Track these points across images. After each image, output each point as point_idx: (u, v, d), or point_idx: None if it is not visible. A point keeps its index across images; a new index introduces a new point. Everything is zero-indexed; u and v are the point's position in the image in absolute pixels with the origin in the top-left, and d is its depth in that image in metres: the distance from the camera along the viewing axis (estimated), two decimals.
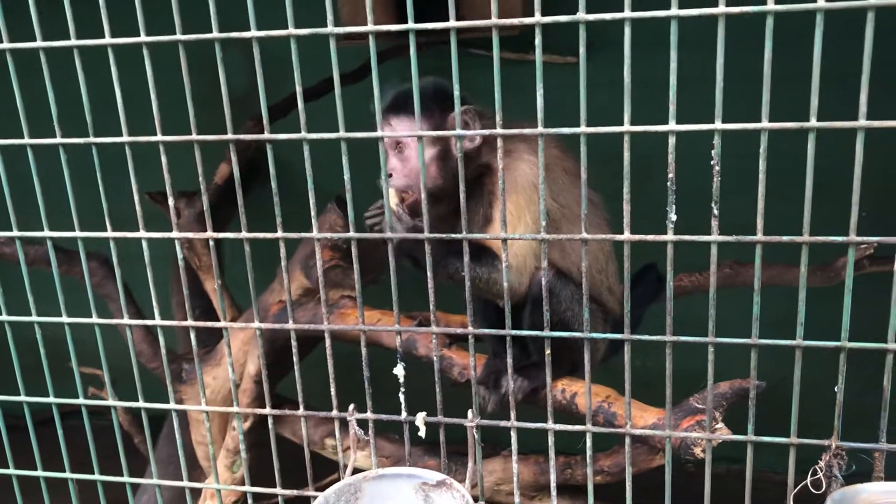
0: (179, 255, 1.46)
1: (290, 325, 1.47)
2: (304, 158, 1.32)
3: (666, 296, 2.66)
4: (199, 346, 3.18)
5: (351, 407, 1.51)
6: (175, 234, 1.44)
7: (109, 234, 1.47)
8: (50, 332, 1.60)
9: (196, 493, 2.96)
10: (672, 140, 1.21)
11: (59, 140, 1.41)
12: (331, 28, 1.25)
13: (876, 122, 1.13)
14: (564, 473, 2.40)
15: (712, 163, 1.22)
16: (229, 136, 1.35)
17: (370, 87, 1.34)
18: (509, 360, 1.42)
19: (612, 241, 2.02)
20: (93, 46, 1.35)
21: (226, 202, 3.29)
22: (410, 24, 1.24)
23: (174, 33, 1.30)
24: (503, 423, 1.44)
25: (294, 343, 1.48)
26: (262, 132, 1.37)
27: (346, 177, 1.37)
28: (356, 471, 1.52)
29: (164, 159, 1.40)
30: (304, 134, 1.33)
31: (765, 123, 1.17)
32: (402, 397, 1.49)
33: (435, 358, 1.49)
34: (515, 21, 1.20)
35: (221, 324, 1.49)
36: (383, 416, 1.49)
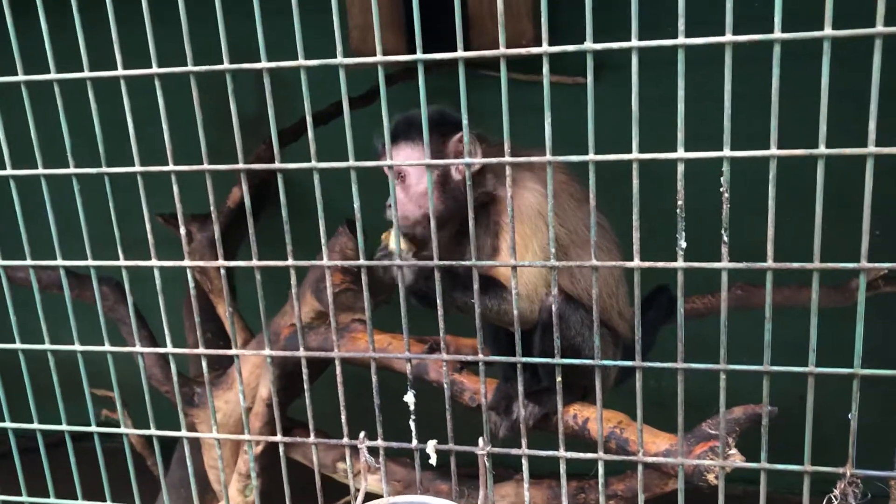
0: (191, 284, 1.46)
1: (301, 353, 1.47)
2: (321, 182, 1.32)
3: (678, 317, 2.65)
4: (211, 370, 3.21)
5: (361, 434, 1.50)
6: (186, 262, 1.45)
7: (122, 262, 1.48)
8: (64, 353, 1.60)
9: None
10: (681, 167, 1.21)
11: (72, 171, 1.42)
12: (340, 59, 1.26)
13: (886, 149, 1.13)
14: (577, 498, 2.38)
15: (721, 189, 1.21)
16: (240, 165, 1.37)
17: (375, 111, 1.35)
18: (520, 388, 1.42)
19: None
20: (105, 78, 1.37)
21: (239, 224, 3.31)
22: (419, 55, 1.25)
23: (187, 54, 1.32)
24: (514, 451, 1.43)
25: (305, 370, 1.48)
26: (274, 155, 1.38)
27: (357, 205, 1.37)
28: (369, 495, 1.52)
29: (175, 188, 1.41)
30: (314, 163, 1.34)
31: (773, 150, 1.17)
32: (412, 425, 1.49)
33: (445, 385, 1.49)
34: (523, 51, 1.21)
35: (232, 351, 1.49)
36: (394, 444, 1.48)
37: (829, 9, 1.10)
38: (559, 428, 1.41)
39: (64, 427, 1.63)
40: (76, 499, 1.68)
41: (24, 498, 1.69)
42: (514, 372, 1.43)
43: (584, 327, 1.99)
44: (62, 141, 1.42)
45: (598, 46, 1.19)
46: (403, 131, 2.01)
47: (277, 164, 1.35)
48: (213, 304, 3.27)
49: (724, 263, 1.25)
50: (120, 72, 1.35)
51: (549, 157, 1.26)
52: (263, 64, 1.29)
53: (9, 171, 1.48)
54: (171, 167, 1.38)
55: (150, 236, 1.46)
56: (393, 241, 1.99)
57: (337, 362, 1.48)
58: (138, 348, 1.53)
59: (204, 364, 1.52)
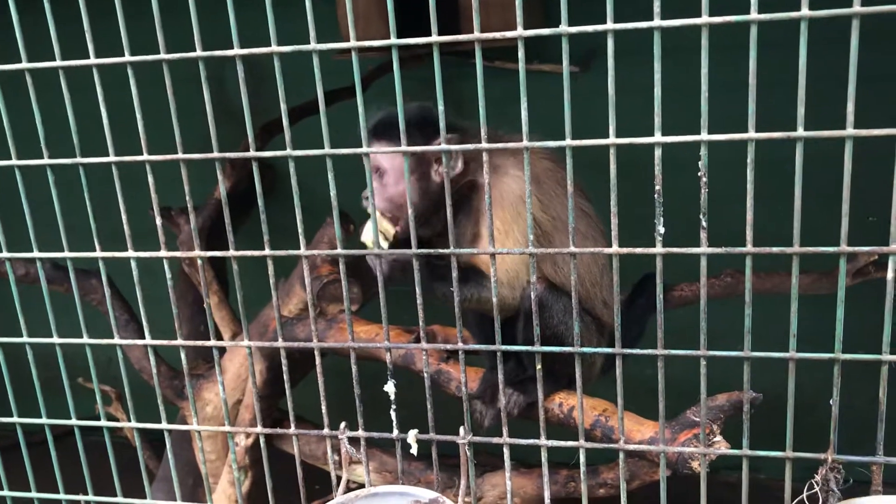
0: (168, 275, 1.45)
1: (280, 344, 1.46)
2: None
3: (669, 305, 2.64)
4: (203, 362, 3.20)
5: (342, 425, 1.49)
6: (163, 253, 1.43)
7: (98, 254, 1.47)
8: (53, 347, 1.59)
9: None
10: (658, 152, 1.20)
11: (46, 161, 1.41)
12: (313, 45, 1.25)
13: (863, 130, 1.11)
14: (568, 487, 2.38)
15: (699, 174, 1.20)
16: (215, 154, 1.35)
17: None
18: (500, 377, 1.41)
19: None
20: (77, 67, 1.35)
21: (231, 214, 3.30)
22: (393, 41, 1.23)
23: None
24: (496, 440, 1.42)
25: (284, 361, 1.48)
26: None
27: (333, 193, 1.36)
28: (357, 486, 1.51)
29: (150, 179, 1.40)
30: (289, 151, 1.33)
31: (752, 134, 1.15)
32: (393, 414, 1.48)
33: (426, 375, 1.48)
34: (497, 35, 1.19)
35: (211, 343, 1.48)
36: (374, 434, 1.48)
37: None
38: (540, 416, 1.40)
39: (44, 420, 1.62)
40: (57, 492, 1.67)
41: (4, 492, 1.68)
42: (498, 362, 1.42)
43: (567, 315, 1.98)
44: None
45: (574, 30, 1.17)
46: (384, 130, 1.98)
47: (252, 153, 1.34)
48: (202, 297, 3.26)
49: (703, 248, 1.24)
50: (92, 60, 1.34)
51: (525, 142, 1.24)
52: (236, 51, 1.27)
53: None
54: (145, 157, 1.37)
55: (126, 228, 1.45)
56: (367, 233, 1.97)
57: (317, 353, 1.47)
58: (116, 340, 1.52)
59: (183, 356, 1.51)
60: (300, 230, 1.39)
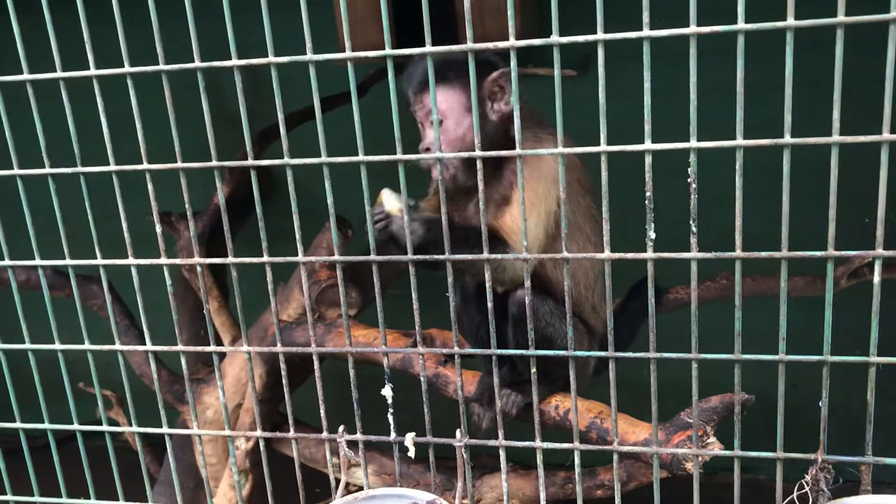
0: (168, 281, 1.47)
1: (279, 349, 1.48)
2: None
3: (665, 308, 2.65)
4: (204, 366, 3.22)
5: (341, 428, 1.52)
6: (163, 260, 1.46)
7: (99, 261, 1.49)
8: (54, 352, 1.61)
9: None
10: (648, 159, 1.22)
11: (47, 171, 1.43)
12: (309, 56, 1.27)
13: (849, 137, 1.14)
14: (565, 488, 2.40)
15: (689, 180, 1.22)
16: (214, 163, 1.37)
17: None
18: (496, 380, 1.43)
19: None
20: (78, 78, 1.38)
21: (231, 220, 3.33)
22: (388, 51, 1.25)
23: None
24: (491, 442, 1.44)
25: (283, 366, 1.50)
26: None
27: (330, 200, 1.38)
28: (358, 489, 1.53)
29: (150, 187, 1.42)
30: (287, 160, 1.35)
31: (740, 141, 1.18)
32: (390, 418, 1.50)
33: (422, 378, 1.50)
34: (490, 45, 1.22)
35: (212, 348, 1.50)
36: (372, 437, 1.50)
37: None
38: (535, 418, 1.42)
39: (47, 426, 1.64)
40: (59, 496, 1.69)
41: (8, 497, 1.70)
42: (493, 365, 1.44)
43: (554, 318, 1.99)
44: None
45: (565, 40, 1.20)
46: (443, 73, 1.92)
47: (251, 162, 1.36)
48: (202, 303, 3.28)
49: (693, 254, 1.26)
50: (92, 71, 1.36)
51: (561, 149, 1.26)
52: (234, 62, 1.30)
53: None
54: (145, 166, 1.39)
55: (126, 235, 1.47)
56: (391, 201, 1.93)
57: (315, 357, 1.49)
58: (118, 346, 1.54)
59: (183, 361, 1.53)
60: (298, 237, 1.41)
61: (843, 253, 1.20)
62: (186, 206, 1.42)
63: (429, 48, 1.24)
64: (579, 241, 2.08)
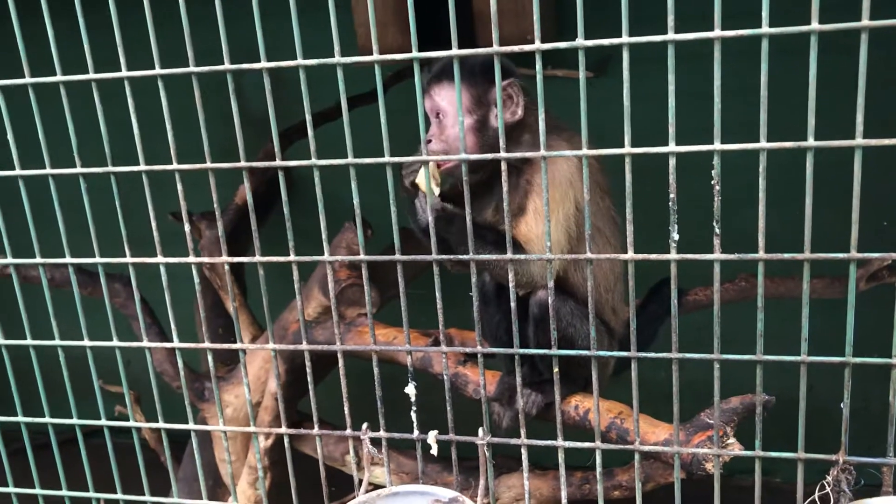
0: (196, 280, 1.50)
1: (305, 347, 1.50)
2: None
3: (684, 310, 2.66)
4: (223, 365, 3.25)
5: (364, 426, 1.53)
6: (191, 259, 1.48)
7: (129, 259, 1.51)
8: (78, 351, 1.64)
9: None
10: (672, 161, 1.23)
11: (78, 170, 1.46)
12: (337, 59, 1.29)
13: (873, 140, 1.14)
14: (583, 489, 2.41)
15: (713, 182, 1.24)
16: (242, 164, 1.39)
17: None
18: (518, 379, 1.44)
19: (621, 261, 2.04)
20: (110, 80, 1.40)
21: (249, 220, 3.36)
22: (414, 54, 1.27)
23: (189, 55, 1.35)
24: (513, 441, 1.46)
25: (308, 364, 1.52)
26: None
27: (356, 201, 1.40)
28: (376, 487, 1.55)
29: (179, 187, 1.44)
30: (314, 160, 1.37)
31: (763, 143, 1.19)
32: (413, 416, 1.52)
33: (445, 377, 1.52)
34: (515, 49, 1.23)
35: (238, 346, 1.53)
36: (395, 435, 1.51)
37: (815, 3, 1.11)
38: (557, 418, 1.43)
39: (75, 421, 1.67)
40: (80, 490, 1.72)
41: (36, 490, 1.73)
42: (515, 364, 1.45)
43: (575, 318, 2.00)
44: (72, 141, 1.46)
45: (590, 43, 1.21)
46: (449, 70, 1.94)
47: (278, 162, 1.38)
48: (223, 301, 3.31)
49: (717, 255, 1.27)
50: (124, 73, 1.38)
51: (584, 150, 1.28)
52: (263, 64, 1.32)
53: (17, 172, 1.52)
54: (174, 166, 1.41)
55: (155, 234, 1.50)
56: (421, 176, 1.95)
57: (339, 356, 1.51)
58: (145, 343, 1.56)
59: (210, 359, 1.55)
60: (324, 237, 1.43)
61: (865, 255, 1.21)
62: (215, 205, 1.44)
63: (455, 51, 1.26)
64: (599, 244, 2.09)
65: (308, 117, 1.34)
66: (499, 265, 1.94)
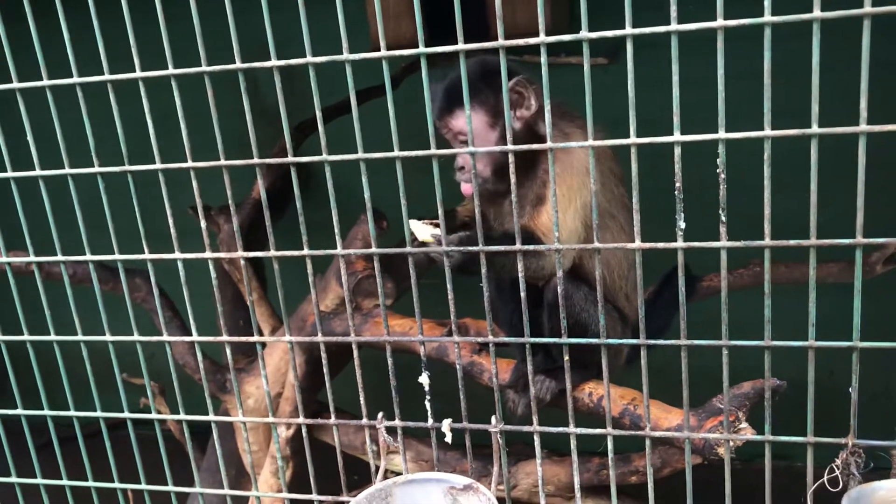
0: (213, 275, 1.53)
1: (320, 339, 1.53)
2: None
3: (699, 295, 2.66)
4: (243, 356, 3.29)
5: (380, 415, 1.56)
6: (208, 254, 1.51)
7: (147, 255, 1.55)
8: (101, 345, 1.68)
9: (242, 499, 3.04)
10: (678, 150, 1.25)
11: (97, 169, 1.49)
12: (346, 55, 1.31)
13: (877, 126, 1.15)
14: (600, 475, 2.43)
15: (718, 171, 1.25)
16: (255, 160, 1.42)
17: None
18: (530, 367, 1.46)
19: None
20: (125, 80, 1.43)
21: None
22: (421, 49, 1.29)
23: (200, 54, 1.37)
24: (526, 428, 1.48)
25: (324, 355, 1.55)
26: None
27: (367, 195, 1.42)
28: (395, 475, 1.59)
29: (195, 183, 1.47)
30: (325, 156, 1.39)
31: (767, 132, 1.20)
32: (428, 405, 1.54)
33: (458, 366, 1.54)
34: (521, 42, 1.25)
35: (255, 338, 1.56)
36: (410, 423, 1.54)
37: None
38: (569, 404, 1.46)
39: (99, 413, 1.71)
40: (105, 482, 1.76)
41: (63, 481, 1.78)
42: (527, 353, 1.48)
43: (588, 303, 2.01)
44: (90, 142, 1.49)
45: (594, 35, 1.23)
46: (456, 98, 1.92)
47: (290, 159, 1.41)
48: (241, 294, 3.35)
49: (723, 243, 1.28)
50: (138, 73, 1.41)
51: (591, 141, 1.29)
52: (273, 62, 1.34)
53: (38, 172, 1.56)
54: (189, 164, 1.44)
55: (172, 230, 1.53)
56: (420, 231, 1.98)
57: (354, 346, 1.54)
58: (165, 337, 1.60)
59: (228, 351, 1.58)
60: (336, 230, 1.46)
61: (871, 241, 1.22)
62: (230, 201, 1.47)
63: (461, 45, 1.28)
64: (613, 231, 2.10)
65: (318, 113, 1.37)
66: (526, 270, 1.97)
